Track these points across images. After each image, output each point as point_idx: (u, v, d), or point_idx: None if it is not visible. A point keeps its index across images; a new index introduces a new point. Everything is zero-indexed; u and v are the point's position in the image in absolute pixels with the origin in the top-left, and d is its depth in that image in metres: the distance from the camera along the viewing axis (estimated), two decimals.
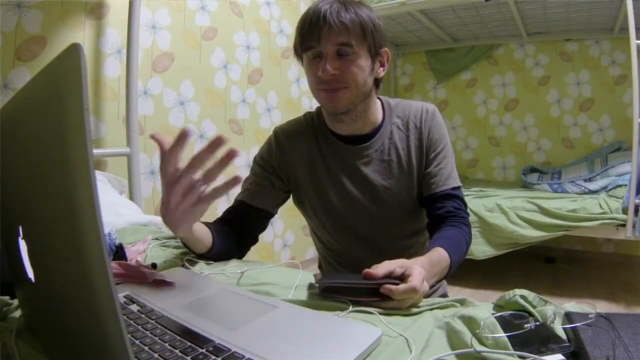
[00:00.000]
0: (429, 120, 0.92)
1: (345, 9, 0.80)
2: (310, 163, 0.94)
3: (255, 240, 0.96)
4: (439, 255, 0.77)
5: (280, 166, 0.95)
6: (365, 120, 0.91)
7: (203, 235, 0.79)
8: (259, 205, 0.93)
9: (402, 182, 0.91)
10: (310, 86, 0.87)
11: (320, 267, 1.10)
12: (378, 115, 0.93)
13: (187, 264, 0.84)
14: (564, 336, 0.50)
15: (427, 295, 1.01)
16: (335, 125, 0.92)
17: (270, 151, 0.96)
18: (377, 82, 0.89)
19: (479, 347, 0.47)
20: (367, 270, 0.64)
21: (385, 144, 0.91)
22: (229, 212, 0.94)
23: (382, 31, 0.85)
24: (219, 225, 0.89)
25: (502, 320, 0.52)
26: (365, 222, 0.93)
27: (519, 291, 0.59)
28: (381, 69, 0.88)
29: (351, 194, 0.91)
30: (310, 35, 0.80)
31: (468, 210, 0.93)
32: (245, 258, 0.93)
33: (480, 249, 2.36)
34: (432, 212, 0.90)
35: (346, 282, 0.65)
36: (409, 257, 0.97)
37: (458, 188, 0.92)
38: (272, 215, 0.97)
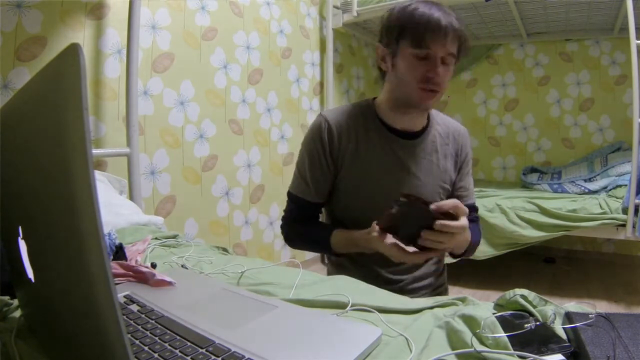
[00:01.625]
0: (465, 138, 1.05)
1: (457, 20, 0.86)
2: (356, 151, 0.95)
3: None
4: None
5: (330, 153, 0.96)
6: (422, 118, 0.99)
7: None
8: (323, 199, 1.01)
9: (437, 182, 0.99)
10: (404, 80, 0.89)
11: (326, 260, 1.11)
12: (427, 117, 1.01)
13: (187, 264, 0.84)
14: (564, 336, 0.50)
15: (427, 294, 1.01)
16: (395, 117, 0.97)
17: (321, 140, 0.96)
18: None
19: (479, 347, 0.47)
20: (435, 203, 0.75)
21: (429, 144, 0.99)
22: (304, 211, 1.02)
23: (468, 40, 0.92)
24: (314, 221, 1.05)
25: (502, 320, 0.52)
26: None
27: (519, 291, 0.59)
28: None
29: (392, 185, 0.95)
30: (432, 39, 0.84)
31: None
32: (245, 258, 0.94)
33: (480, 249, 2.35)
34: None
35: (423, 202, 0.74)
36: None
37: (475, 200, 1.07)
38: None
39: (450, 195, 1.02)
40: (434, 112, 1.04)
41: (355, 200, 0.97)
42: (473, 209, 1.04)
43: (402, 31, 0.87)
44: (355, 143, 0.96)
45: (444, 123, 1.03)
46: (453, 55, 0.87)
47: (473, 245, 0.98)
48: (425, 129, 0.99)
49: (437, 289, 1.04)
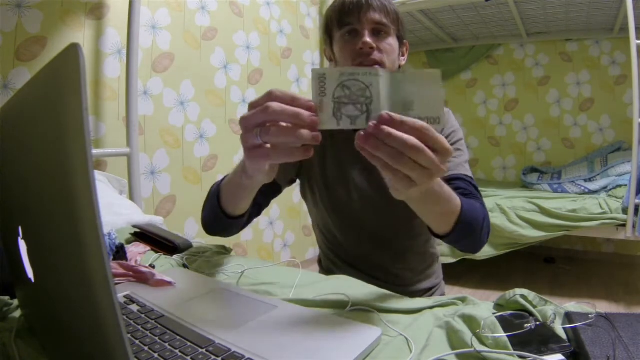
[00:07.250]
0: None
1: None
2: (322, 155, 0.97)
3: (258, 213, 0.93)
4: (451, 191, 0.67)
5: None
6: None
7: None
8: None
9: None
10: (341, 62, 0.88)
11: (319, 262, 1.11)
12: None
13: (187, 264, 0.84)
14: (564, 336, 0.50)
15: (425, 295, 1.01)
16: None
17: None
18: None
19: (479, 347, 0.47)
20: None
21: None
22: None
23: (404, 24, 0.91)
24: None
25: (502, 320, 0.52)
26: (371, 213, 0.94)
27: (519, 291, 0.59)
28: (402, 58, 0.93)
29: (359, 185, 0.93)
30: (350, 13, 0.84)
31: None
32: (245, 258, 0.94)
33: None
34: None
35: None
36: (413, 257, 0.96)
37: (469, 177, 0.85)
38: (280, 191, 0.96)
39: None
40: None
41: (326, 203, 0.96)
42: (457, 179, 0.83)
43: (331, 20, 0.89)
44: (323, 147, 0.96)
45: None
46: (384, 24, 0.83)
47: (469, 220, 0.69)
48: None
49: (432, 290, 1.04)
